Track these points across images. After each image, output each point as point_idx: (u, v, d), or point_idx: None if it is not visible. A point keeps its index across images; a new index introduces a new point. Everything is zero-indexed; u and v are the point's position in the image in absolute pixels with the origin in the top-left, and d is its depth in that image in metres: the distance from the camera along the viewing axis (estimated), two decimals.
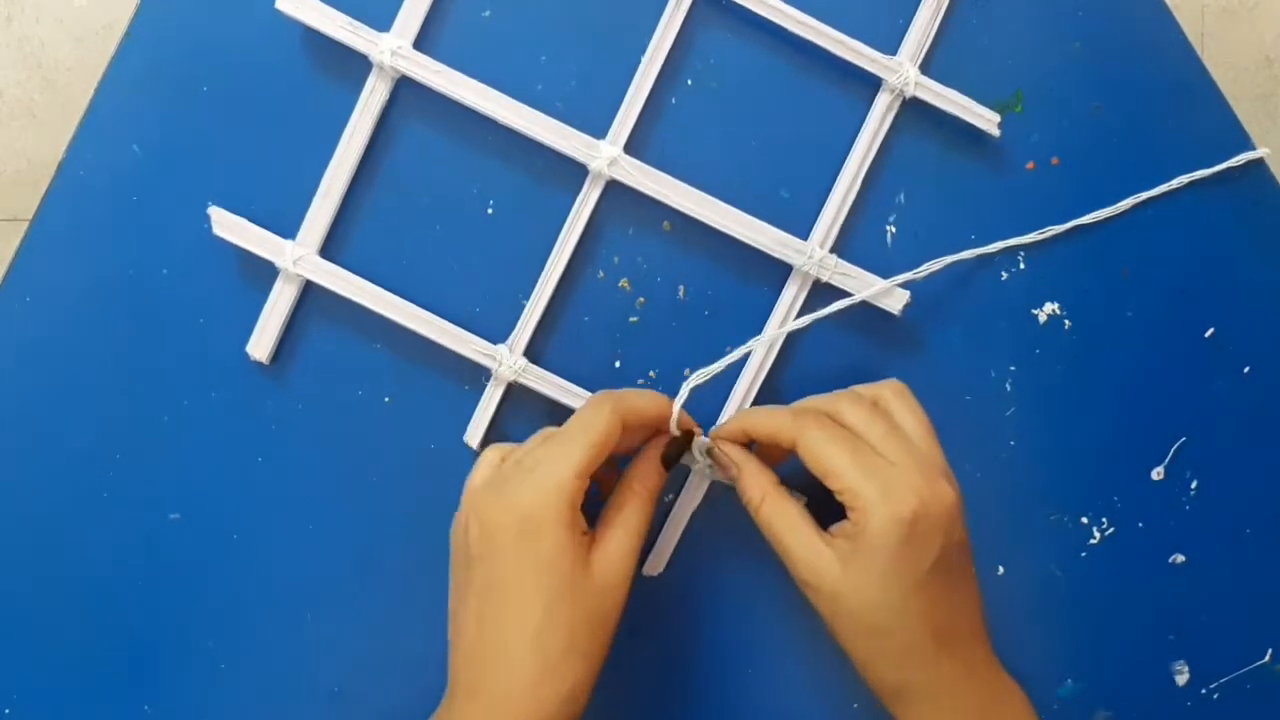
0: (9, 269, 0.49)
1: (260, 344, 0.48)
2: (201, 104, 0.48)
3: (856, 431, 0.41)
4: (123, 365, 0.49)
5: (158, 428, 0.49)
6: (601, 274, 0.49)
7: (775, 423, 0.43)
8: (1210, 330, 0.50)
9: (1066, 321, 0.50)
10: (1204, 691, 0.50)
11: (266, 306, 0.47)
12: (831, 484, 0.40)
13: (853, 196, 0.48)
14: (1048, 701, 0.50)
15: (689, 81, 0.48)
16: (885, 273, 0.48)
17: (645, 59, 0.47)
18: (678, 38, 0.47)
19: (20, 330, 0.49)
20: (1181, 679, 0.50)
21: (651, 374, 0.49)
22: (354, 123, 0.47)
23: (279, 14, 0.46)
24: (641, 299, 0.49)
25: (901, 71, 0.47)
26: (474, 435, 0.48)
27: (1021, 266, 0.49)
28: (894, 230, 0.49)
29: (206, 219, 0.48)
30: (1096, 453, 0.50)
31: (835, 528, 0.41)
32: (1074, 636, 0.50)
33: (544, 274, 0.47)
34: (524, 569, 0.39)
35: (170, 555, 0.49)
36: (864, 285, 0.48)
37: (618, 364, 0.49)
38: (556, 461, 0.40)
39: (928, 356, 0.49)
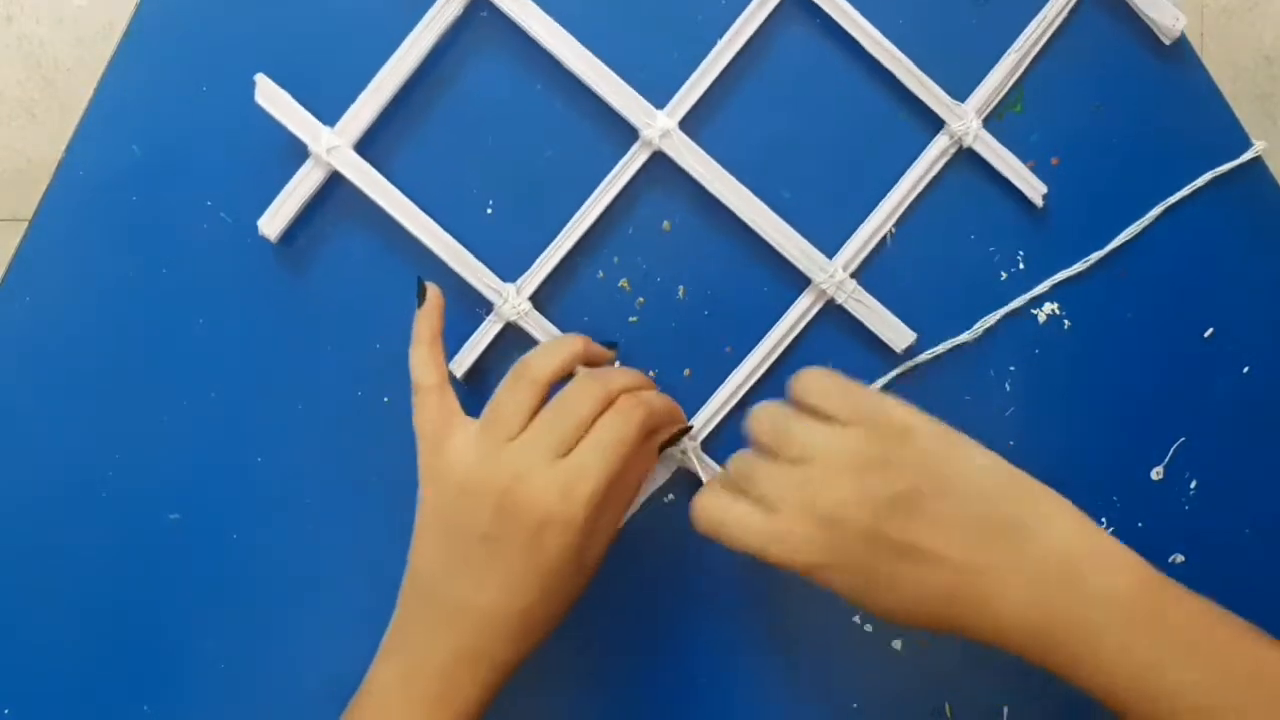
0: (9, 269, 0.49)
1: (273, 223, 0.47)
2: (201, 103, 0.48)
3: (745, 483, 0.41)
4: (122, 365, 0.49)
5: (158, 427, 0.49)
6: (601, 274, 0.49)
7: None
8: (1210, 330, 0.50)
9: (1066, 321, 0.50)
10: None
11: (288, 186, 0.47)
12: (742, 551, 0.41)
13: (888, 227, 0.48)
14: (1047, 701, 0.50)
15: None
16: (885, 273, 0.48)
17: (720, 44, 0.47)
18: (757, 33, 0.47)
19: (20, 330, 0.49)
20: None
21: (651, 373, 0.49)
22: (420, 31, 0.46)
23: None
24: (641, 299, 0.49)
25: (966, 120, 0.47)
26: (460, 365, 0.48)
27: (1021, 266, 0.49)
28: (893, 231, 0.49)
29: (207, 219, 0.48)
30: (1096, 453, 0.50)
31: None
32: None
33: (568, 227, 0.47)
34: (535, 559, 0.41)
35: (170, 555, 0.49)
36: (875, 315, 0.48)
37: (617, 364, 0.49)
38: (593, 474, 0.41)
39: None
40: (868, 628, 0.50)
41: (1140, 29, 0.49)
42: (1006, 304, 0.49)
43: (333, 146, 0.46)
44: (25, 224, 0.48)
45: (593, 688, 0.50)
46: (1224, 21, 1.21)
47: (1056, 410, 0.50)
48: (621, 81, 0.46)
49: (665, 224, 0.49)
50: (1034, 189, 0.48)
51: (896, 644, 0.50)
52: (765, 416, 0.42)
